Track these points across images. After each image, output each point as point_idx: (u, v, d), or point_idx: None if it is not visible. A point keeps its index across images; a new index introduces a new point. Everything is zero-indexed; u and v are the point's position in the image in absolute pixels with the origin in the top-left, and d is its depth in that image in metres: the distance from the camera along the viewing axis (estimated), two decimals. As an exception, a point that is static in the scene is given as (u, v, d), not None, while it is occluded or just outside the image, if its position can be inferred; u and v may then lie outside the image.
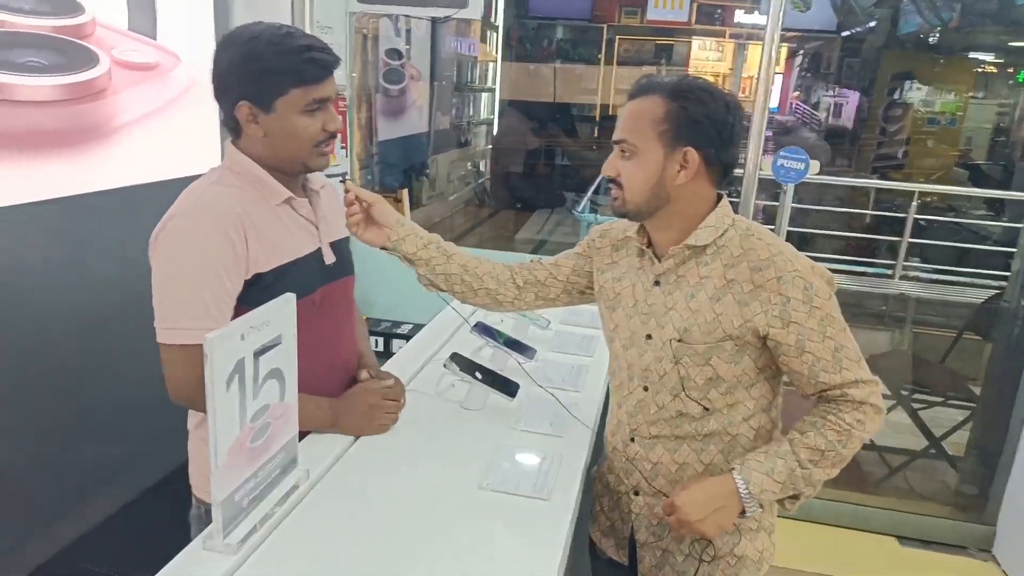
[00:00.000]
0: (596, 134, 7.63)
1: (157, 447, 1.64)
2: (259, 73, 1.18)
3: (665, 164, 1.16)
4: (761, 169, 2.35)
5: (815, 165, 2.50)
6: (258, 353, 1.03)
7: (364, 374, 1.43)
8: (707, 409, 1.23)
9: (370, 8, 2.58)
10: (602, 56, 7.41)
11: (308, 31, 2.37)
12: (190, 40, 2.13)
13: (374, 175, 3.45)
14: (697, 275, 1.21)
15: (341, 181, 1.32)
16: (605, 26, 7.35)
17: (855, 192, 5.64)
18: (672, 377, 1.23)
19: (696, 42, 8.55)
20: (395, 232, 1.35)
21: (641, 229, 1.29)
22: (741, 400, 1.23)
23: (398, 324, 2.85)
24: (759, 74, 2.23)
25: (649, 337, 1.26)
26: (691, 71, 9.05)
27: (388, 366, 1.66)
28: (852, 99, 7.94)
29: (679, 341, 1.21)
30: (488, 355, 1.72)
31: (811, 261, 1.19)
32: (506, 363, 1.71)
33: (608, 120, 7.71)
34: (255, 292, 1.21)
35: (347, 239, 1.47)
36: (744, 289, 1.16)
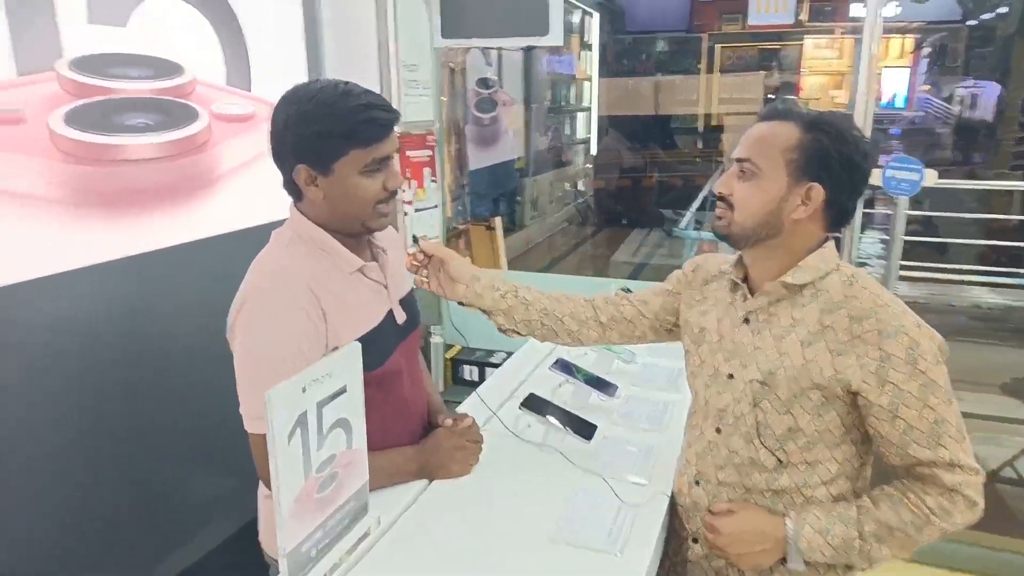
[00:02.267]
0: (699, 146, 7.42)
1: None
2: (316, 136, 1.14)
3: (786, 195, 1.10)
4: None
5: (931, 174, 2.28)
6: (322, 404, 1.05)
7: (444, 419, 1.42)
8: (781, 462, 1.14)
9: (454, 43, 2.63)
10: (703, 65, 7.21)
11: (394, 70, 2.44)
12: (283, 88, 2.23)
13: (465, 205, 3.50)
14: (790, 316, 1.13)
15: (415, 242, 1.30)
16: (705, 35, 7.15)
17: (996, 193, 5.14)
18: (748, 421, 1.16)
19: (810, 41, 8.14)
20: (471, 288, 1.33)
21: (738, 263, 1.23)
22: (822, 460, 1.13)
23: (491, 353, 2.85)
24: (858, 70, 2.06)
25: (731, 376, 1.19)
26: (805, 71, 8.63)
27: (468, 404, 1.66)
28: (989, 90, 7.29)
29: (761, 383, 1.14)
30: (568, 392, 1.68)
31: (920, 320, 1.08)
32: (587, 400, 1.66)
33: (712, 131, 7.46)
34: None
35: (412, 290, 1.48)
36: (840, 338, 1.08)
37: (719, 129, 7.29)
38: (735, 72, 7.23)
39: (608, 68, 7.24)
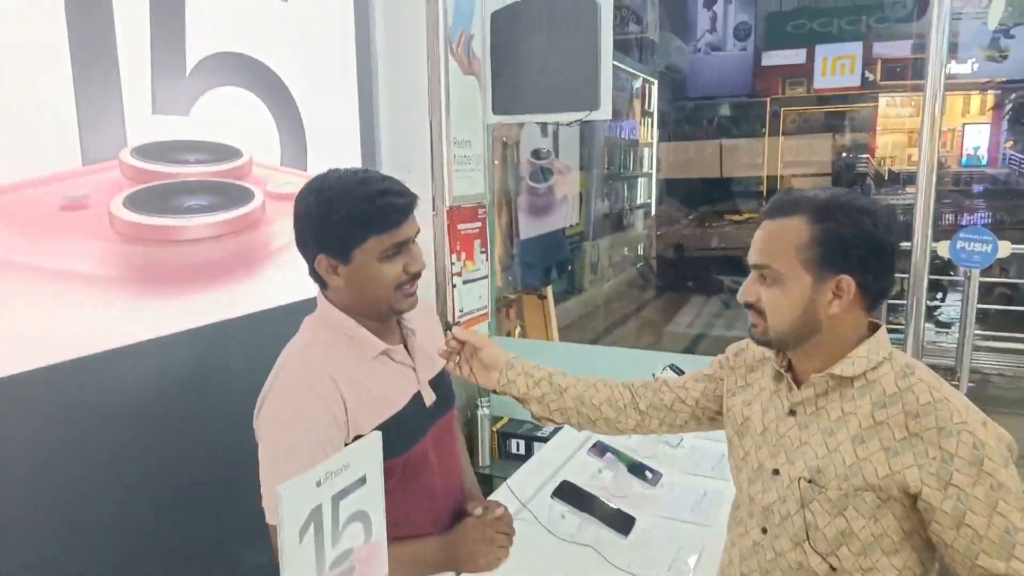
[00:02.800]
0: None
1: None
2: (334, 225, 1.15)
3: (815, 293, 1.04)
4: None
5: (1004, 246, 2.14)
6: (338, 497, 1.03)
7: (475, 508, 1.38)
8: (834, 568, 1.04)
9: (505, 119, 2.68)
10: (766, 129, 7.15)
11: (445, 147, 2.50)
12: (340, 166, 2.32)
13: (515, 274, 3.51)
14: (840, 409, 1.06)
15: (447, 329, 1.28)
16: (768, 99, 7.12)
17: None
18: (796, 522, 1.07)
19: (884, 99, 7.97)
20: (504, 376, 1.31)
21: (781, 351, 1.16)
22: (879, 567, 1.03)
23: (539, 426, 2.79)
24: (921, 130, 1.97)
25: (776, 472, 1.11)
26: (880, 130, 8.42)
27: (500, 491, 1.61)
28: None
29: (809, 482, 1.05)
30: (608, 478, 1.61)
31: (986, 417, 1.00)
32: (628, 488, 1.59)
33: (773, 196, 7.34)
34: None
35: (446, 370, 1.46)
36: (896, 435, 1.00)
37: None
38: (799, 135, 7.14)
39: (669, 133, 7.27)
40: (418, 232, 1.23)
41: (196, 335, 1.84)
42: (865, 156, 7.68)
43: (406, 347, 1.31)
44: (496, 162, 3.02)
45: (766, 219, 1.09)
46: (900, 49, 6.98)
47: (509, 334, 3.19)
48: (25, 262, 1.44)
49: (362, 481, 1.07)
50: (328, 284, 1.22)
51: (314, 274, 1.23)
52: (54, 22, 1.47)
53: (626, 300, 7.33)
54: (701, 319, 6.03)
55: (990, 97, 8.42)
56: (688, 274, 6.71)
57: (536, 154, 3.65)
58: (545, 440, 2.73)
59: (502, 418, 2.79)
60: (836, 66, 6.32)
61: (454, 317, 2.56)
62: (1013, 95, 8.03)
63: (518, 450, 2.75)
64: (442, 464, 1.35)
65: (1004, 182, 8.13)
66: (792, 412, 1.11)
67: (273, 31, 2.05)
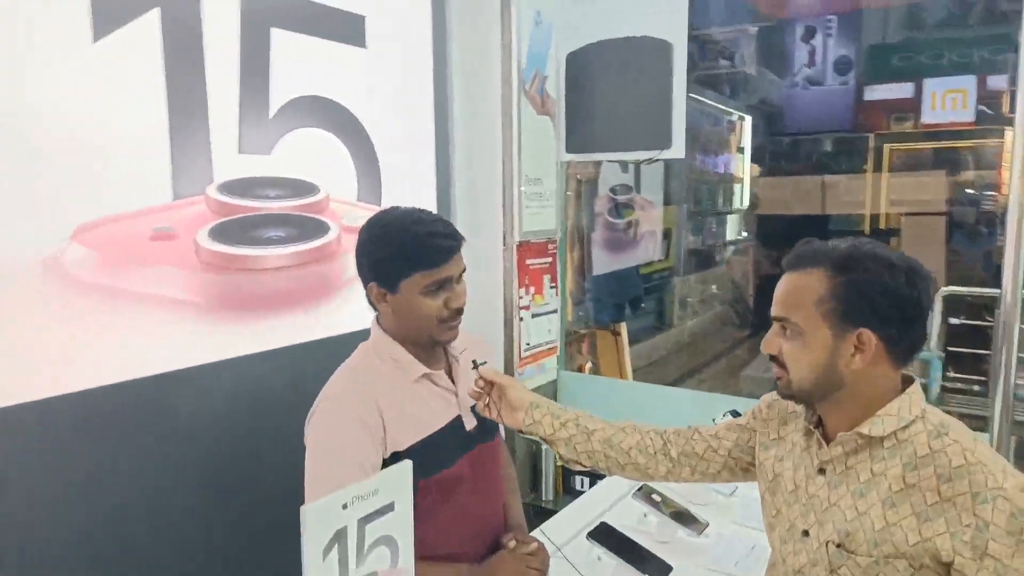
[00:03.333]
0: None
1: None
2: (384, 258, 1.29)
3: (835, 347, 1.02)
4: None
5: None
6: (364, 521, 1.07)
7: (508, 540, 1.39)
8: None
9: (577, 157, 2.72)
10: (868, 167, 6.81)
11: (516, 184, 2.56)
12: (413, 202, 2.42)
13: (587, 311, 3.51)
14: (870, 471, 1.03)
15: (474, 368, 1.32)
16: (871, 135, 6.80)
17: None
18: None
19: (1011, 135, 7.41)
20: (529, 416, 1.31)
21: (809, 406, 1.13)
22: None
23: (604, 464, 2.76)
24: (1012, 165, 1.85)
25: (806, 534, 1.07)
26: (1006, 170, 7.85)
27: (544, 527, 1.61)
28: None
29: (838, 546, 1.02)
30: (653, 524, 1.58)
31: None
32: (672, 535, 1.55)
33: (880, 234, 6.95)
34: None
35: None
36: (927, 500, 0.97)
37: (888, 232, 6.77)
38: (906, 171, 6.76)
39: (765, 169, 7.08)
40: (463, 271, 1.32)
41: (271, 356, 1.96)
42: (992, 194, 7.18)
43: (450, 374, 1.37)
44: (570, 197, 3.05)
45: (787, 271, 1.09)
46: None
47: (580, 369, 3.18)
48: (117, 286, 1.60)
49: (390, 507, 1.12)
50: (378, 310, 1.35)
51: (368, 299, 1.36)
52: (152, 68, 1.64)
53: (716, 338, 7.13)
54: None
55: None
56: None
57: (615, 190, 3.66)
58: (601, 476, 2.70)
59: (566, 454, 2.78)
60: (947, 100, 5.97)
61: (520, 350, 2.59)
62: None
63: (582, 487, 2.72)
64: (480, 489, 1.37)
65: None
66: (822, 471, 1.08)
67: (353, 76, 2.19)
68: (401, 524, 1.14)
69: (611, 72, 2.61)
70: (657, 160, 2.56)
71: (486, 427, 1.40)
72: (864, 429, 1.02)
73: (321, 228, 2.10)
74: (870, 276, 0.99)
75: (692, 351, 6.51)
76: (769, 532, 1.19)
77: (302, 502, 1.95)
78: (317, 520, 1.00)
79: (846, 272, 1.01)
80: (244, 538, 1.88)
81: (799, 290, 1.05)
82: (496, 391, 1.33)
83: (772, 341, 1.09)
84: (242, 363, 1.89)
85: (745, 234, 7.16)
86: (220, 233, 1.81)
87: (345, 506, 1.04)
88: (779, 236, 6.92)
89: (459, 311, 1.32)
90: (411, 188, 2.43)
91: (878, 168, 6.80)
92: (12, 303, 1.42)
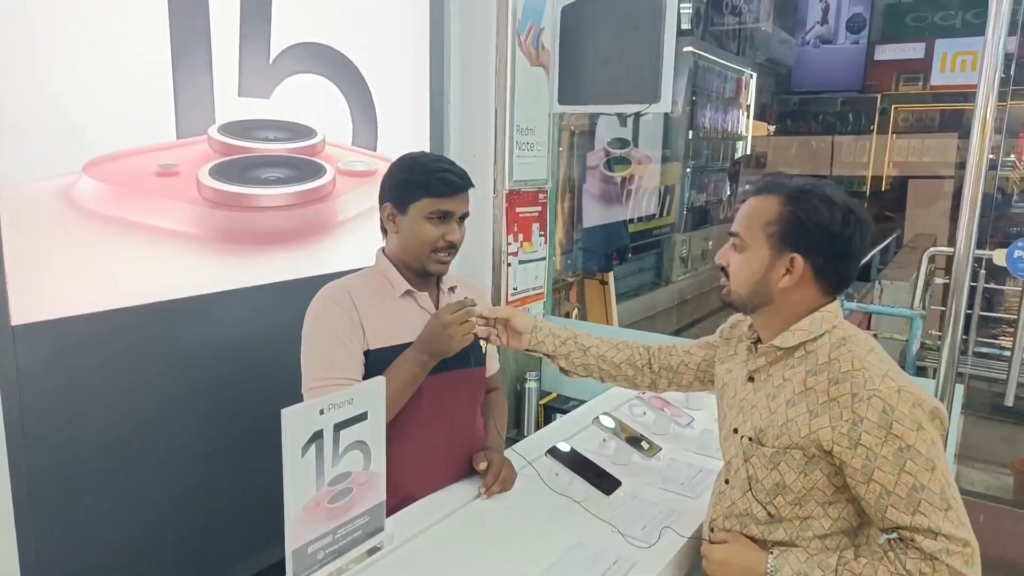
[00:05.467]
0: (867, 209, 6.92)
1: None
2: (402, 182, 1.47)
3: (770, 265, 1.16)
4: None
5: (1069, 259, 2.06)
6: (340, 426, 1.22)
7: (479, 462, 1.55)
8: (772, 515, 1.18)
9: (568, 109, 2.80)
10: (875, 127, 6.79)
11: (508, 134, 2.65)
12: (406, 148, 2.52)
13: (575, 259, 3.62)
14: (782, 376, 1.19)
15: (470, 306, 1.45)
16: (879, 95, 6.76)
17: None
18: (743, 474, 1.22)
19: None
20: (534, 337, 1.50)
21: (752, 323, 1.29)
22: (814, 515, 1.15)
23: (585, 403, 2.91)
24: (972, 137, 1.93)
25: (735, 431, 1.25)
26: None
27: (515, 447, 1.76)
28: None
29: (751, 440, 1.20)
30: (612, 447, 1.73)
31: (905, 384, 1.08)
32: (628, 459, 1.70)
33: (881, 196, 6.95)
34: (367, 367, 1.44)
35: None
36: (819, 400, 1.12)
37: (890, 193, 6.75)
38: (913, 134, 6.74)
39: (773, 128, 7.07)
40: (466, 214, 1.50)
41: (268, 290, 2.10)
42: (1011, 159, 7.14)
43: (436, 302, 1.53)
44: (562, 150, 3.13)
45: (751, 195, 1.22)
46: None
47: (567, 315, 3.32)
48: (124, 217, 1.73)
49: (364, 416, 1.27)
50: (387, 231, 1.52)
51: (382, 224, 1.53)
52: (156, 11, 1.74)
53: (715, 295, 7.22)
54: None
55: None
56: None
57: (616, 143, 3.73)
58: (588, 418, 2.86)
59: (550, 393, 2.93)
60: (956, 62, 5.93)
61: (508, 294, 2.73)
62: None
63: (559, 419, 2.88)
64: (445, 412, 1.52)
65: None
66: (751, 378, 1.25)
67: (351, 23, 2.28)
68: (373, 432, 1.29)
69: (605, 26, 2.67)
70: (645, 113, 2.64)
71: (463, 356, 1.53)
72: (776, 341, 1.18)
73: (317, 170, 2.22)
74: (811, 209, 1.12)
75: (690, 307, 6.63)
76: (720, 434, 1.35)
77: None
78: (296, 422, 1.15)
79: (794, 203, 1.14)
80: (241, 455, 2.04)
81: (754, 211, 1.18)
82: (499, 323, 1.50)
83: (723, 253, 1.24)
84: (241, 295, 2.03)
85: (747, 187, 7.18)
86: (221, 172, 1.93)
87: (322, 411, 1.19)
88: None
89: (453, 246, 1.48)
90: (406, 134, 2.53)
91: (883, 130, 6.80)
92: (27, 229, 1.55)
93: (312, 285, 2.19)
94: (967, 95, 6.36)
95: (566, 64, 2.75)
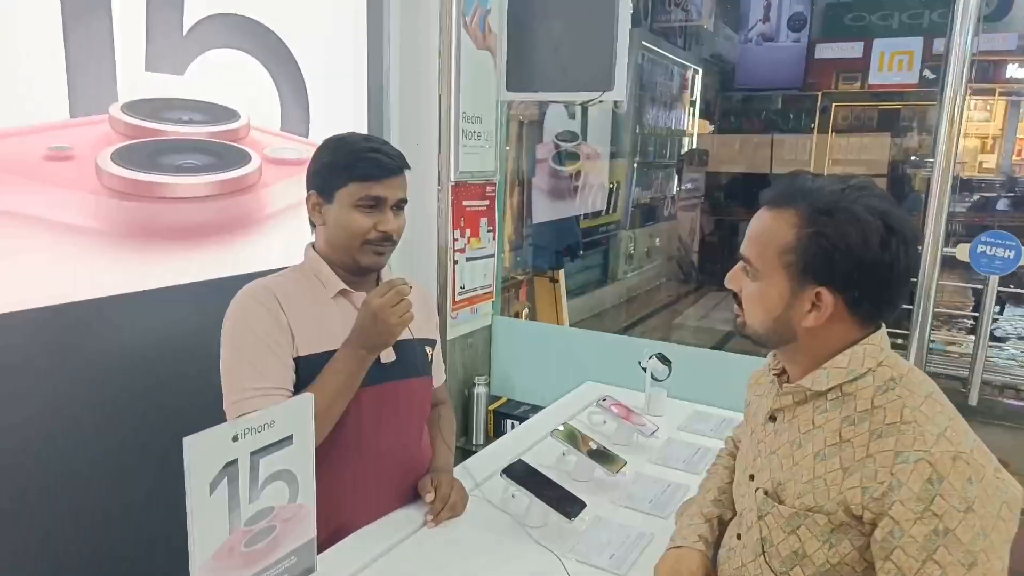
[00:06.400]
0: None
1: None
2: (326, 165, 1.30)
3: (791, 300, 0.94)
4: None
5: (1031, 253, 2.01)
6: (258, 454, 1.02)
7: (425, 490, 1.37)
8: None
9: (517, 96, 2.64)
10: (815, 125, 6.87)
11: (454, 122, 2.47)
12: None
13: (525, 256, 3.47)
14: (811, 422, 0.96)
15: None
16: (819, 94, 6.84)
17: None
18: (754, 534, 1.01)
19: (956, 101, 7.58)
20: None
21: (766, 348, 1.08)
22: None
23: (536, 408, 2.76)
24: (937, 133, 1.86)
25: (751, 479, 1.05)
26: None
27: (466, 464, 1.59)
28: None
29: (766, 493, 0.99)
30: (572, 463, 1.57)
31: (964, 452, 0.84)
32: (590, 474, 1.55)
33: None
34: (296, 376, 1.24)
35: (427, 342, 1.45)
36: (856, 456, 0.90)
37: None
38: (850, 133, 6.86)
39: (715, 125, 7.08)
40: (402, 200, 1.32)
41: (184, 292, 1.87)
42: (931, 160, 7.33)
43: None
44: (511, 141, 2.97)
45: (763, 206, 0.99)
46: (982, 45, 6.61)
47: (517, 315, 3.16)
48: (6, 208, 1.48)
49: (289, 441, 1.07)
50: (314, 224, 1.35)
51: (309, 216, 1.36)
52: (43, -29, 1.50)
53: (661, 292, 7.22)
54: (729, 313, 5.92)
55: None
56: (725, 267, 6.56)
57: (565, 135, 3.59)
58: (540, 424, 2.70)
59: (500, 398, 2.77)
60: (894, 61, 6.03)
61: (455, 294, 2.54)
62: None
63: (514, 431, 2.72)
64: (385, 429, 1.34)
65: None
66: (772, 418, 1.04)
67: (279, -5, 2.06)
68: (301, 458, 1.09)
69: (555, 7, 2.52)
70: (599, 101, 2.50)
71: (407, 364, 1.36)
72: (806, 382, 0.96)
73: (241, 157, 1.99)
74: (839, 232, 0.89)
75: (636, 305, 6.58)
76: (735, 478, 1.17)
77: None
78: (201, 452, 0.94)
79: (816, 223, 0.91)
80: (153, 481, 1.81)
81: (767, 232, 0.96)
82: None
83: (735, 277, 1.02)
84: (152, 297, 1.79)
85: (689, 186, 7.18)
86: (126, 157, 1.69)
87: (235, 438, 0.98)
88: (726, 193, 6.99)
89: (388, 237, 1.29)
90: (342, 120, 2.32)
91: (824, 128, 6.88)
92: None
93: (235, 286, 1.96)
94: (904, 94, 6.50)
95: (514, 49, 2.59)
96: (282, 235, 2.12)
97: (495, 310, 2.81)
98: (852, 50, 6.50)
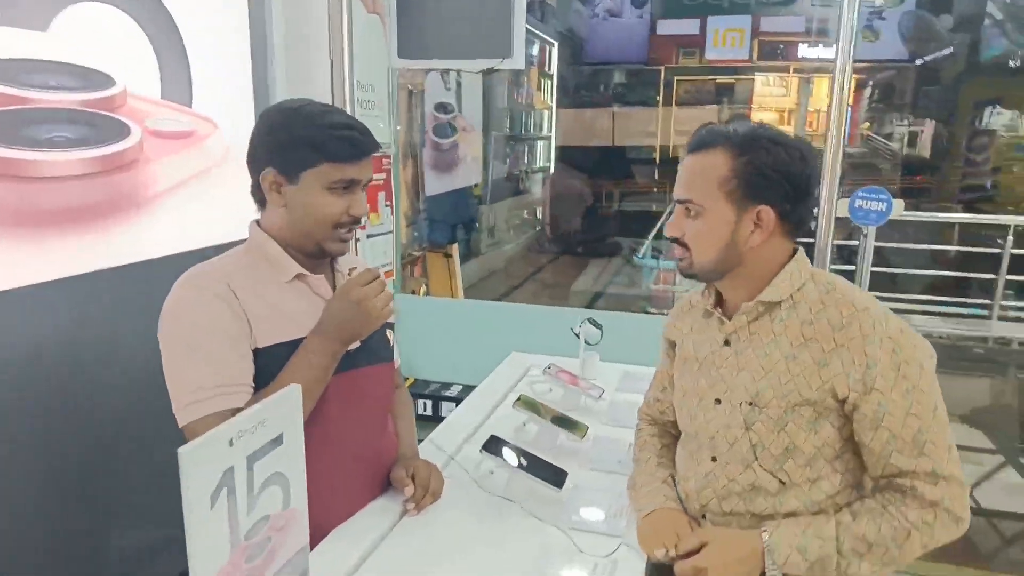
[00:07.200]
0: (656, 177, 7.49)
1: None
2: (290, 142, 1.13)
3: (736, 224, 1.06)
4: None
5: (899, 204, 2.25)
6: (253, 458, 0.90)
7: (402, 481, 1.28)
8: (784, 483, 1.07)
9: (411, 64, 2.52)
10: (660, 98, 7.29)
11: (349, 89, 2.32)
12: (228, 106, 2.09)
13: (422, 231, 3.37)
14: (771, 332, 1.09)
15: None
16: (663, 68, 7.25)
17: (939, 226, 5.27)
18: (743, 445, 1.09)
19: (759, 78, 8.37)
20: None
21: (707, 290, 1.18)
22: (824, 475, 1.06)
23: (447, 385, 2.71)
24: (830, 109, 2.01)
25: (718, 402, 1.12)
26: (755, 107, 8.85)
27: (424, 447, 1.51)
28: (928, 128, 7.55)
29: (750, 404, 1.07)
30: (533, 432, 1.55)
31: (904, 325, 1.04)
32: (554, 441, 1.53)
33: (669, 164, 7.55)
34: (255, 370, 1.11)
35: (387, 324, 1.34)
36: (824, 348, 1.03)
37: (676, 160, 7.38)
38: (691, 105, 7.34)
39: (567, 98, 7.27)
40: (370, 181, 1.20)
41: (56, 288, 1.60)
42: (712, 122, 8.01)
43: (333, 286, 1.23)
44: (400, 111, 2.85)
45: (688, 154, 1.10)
46: (782, 26, 7.29)
47: (415, 292, 3.06)
48: None
49: (279, 440, 0.95)
50: (267, 203, 1.18)
51: (257, 191, 1.18)
52: None
53: (524, 263, 7.36)
54: (605, 277, 6.14)
55: (854, 79, 9.01)
56: (587, 237, 6.79)
57: (442, 108, 3.50)
58: (454, 400, 2.65)
59: (407, 378, 2.68)
60: (727, 38, 6.50)
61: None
62: (877, 76, 8.60)
63: (425, 410, 2.65)
64: (353, 420, 1.23)
65: (860, 160, 8.75)
66: (727, 343, 1.13)
67: (150, -58, 1.80)
68: (292, 458, 0.97)
69: (447, -30, 2.43)
70: (498, 70, 2.45)
71: (371, 349, 1.25)
72: (764, 296, 1.08)
73: (119, 129, 1.73)
74: (769, 155, 1.03)
75: (504, 276, 6.65)
76: (679, 412, 1.22)
77: (90, 450, 1.68)
78: (200, 464, 0.81)
79: (747, 152, 1.04)
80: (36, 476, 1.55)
81: (703, 170, 1.06)
82: None
83: (676, 224, 1.11)
84: (16, 297, 1.51)
85: (551, 163, 7.35)
86: (-18, 128, 1.41)
87: (231, 442, 0.85)
88: (581, 166, 7.21)
89: (358, 221, 1.18)
90: (228, 88, 2.09)
91: (668, 101, 7.31)
92: None
93: (119, 279, 1.74)
94: (737, 69, 7.04)
95: (406, 12, 2.47)
96: (170, 218, 1.89)
97: (396, 288, 2.70)
98: (690, 27, 6.91)
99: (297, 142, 1.12)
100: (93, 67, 1.65)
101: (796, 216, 1.08)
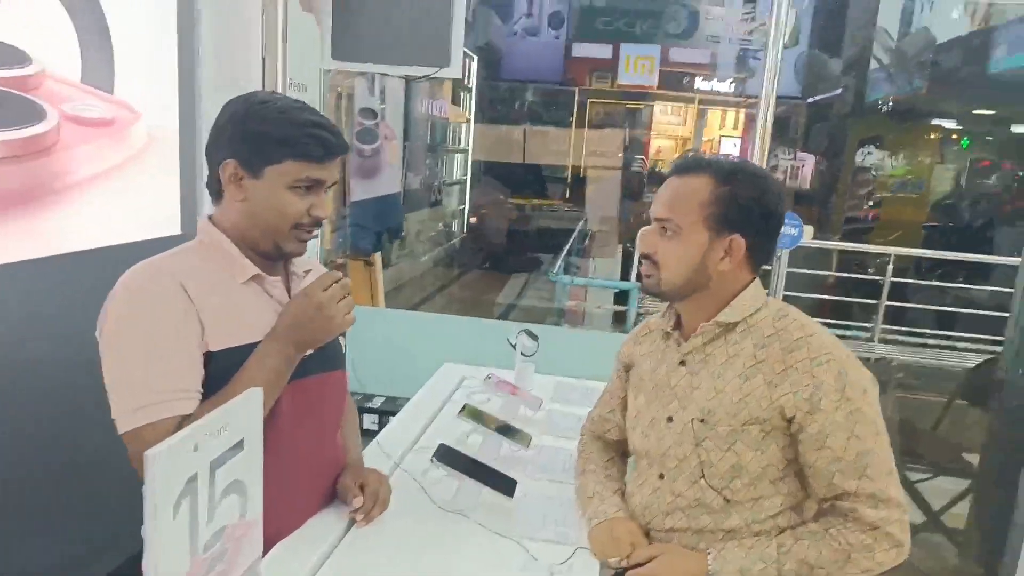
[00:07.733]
0: (567, 196, 7.68)
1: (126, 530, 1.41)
2: (257, 134, 1.07)
3: (708, 250, 1.11)
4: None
5: (809, 230, 2.42)
6: (216, 464, 0.85)
7: (351, 494, 1.23)
8: (728, 501, 1.11)
9: (346, 65, 2.47)
10: (573, 119, 7.51)
11: (281, 88, 2.24)
12: (151, 94, 1.98)
13: (346, 238, 3.29)
14: (726, 353, 1.14)
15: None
16: (576, 89, 7.48)
17: (822, 254, 5.68)
18: (691, 462, 1.13)
19: (658, 107, 8.80)
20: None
21: (667, 313, 1.23)
22: (767, 495, 1.11)
23: (394, 400, 2.63)
24: (755, 139, 2.13)
25: (670, 420, 1.17)
26: (653, 134, 9.29)
27: (370, 449, 1.48)
28: (809, 162, 8.14)
29: (701, 421, 1.12)
30: (477, 441, 1.54)
31: (850, 352, 1.11)
32: (499, 451, 1.53)
33: (580, 181, 7.77)
34: (206, 375, 1.05)
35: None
36: (775, 370, 1.09)
37: (580, 181, 7.57)
38: (602, 127, 7.58)
39: (484, 113, 7.33)
40: (335, 183, 1.17)
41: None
42: (640, 157, 8.42)
43: (288, 289, 1.18)
44: (329, 113, 2.78)
45: (673, 175, 1.16)
46: (688, 57, 7.68)
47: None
48: None
49: (240, 446, 0.90)
50: (224, 197, 1.12)
51: (214, 182, 1.12)
52: None
53: (435, 276, 7.32)
54: (521, 291, 6.20)
55: (742, 113, 9.61)
56: (500, 252, 6.84)
57: (366, 113, 3.43)
58: (378, 412, 2.59)
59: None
60: (638, 65, 6.77)
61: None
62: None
63: (371, 425, 2.58)
64: (304, 425, 1.19)
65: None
66: (683, 363, 1.18)
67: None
68: (251, 466, 0.93)
69: (386, -26, 2.40)
70: (434, 77, 2.44)
71: (325, 356, 1.20)
72: (721, 317, 1.14)
73: (34, 112, 1.60)
74: (751, 188, 1.10)
75: (409, 290, 6.59)
76: (631, 433, 1.26)
77: (28, 444, 1.54)
78: (166, 468, 0.75)
79: (730, 181, 1.10)
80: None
81: (686, 193, 1.12)
82: None
83: (649, 240, 1.15)
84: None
85: (467, 176, 7.36)
86: None
87: (196, 447, 0.80)
88: (497, 180, 7.26)
89: (319, 223, 1.14)
90: (153, 74, 1.98)
91: (581, 123, 7.53)
92: None
93: (32, 274, 1.62)
94: (646, 94, 7.33)
95: (342, 12, 2.41)
96: (90, 210, 1.76)
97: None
98: (603, 51, 7.15)
99: (266, 136, 1.07)
100: (7, 42, 1.52)
101: (763, 250, 1.15)
